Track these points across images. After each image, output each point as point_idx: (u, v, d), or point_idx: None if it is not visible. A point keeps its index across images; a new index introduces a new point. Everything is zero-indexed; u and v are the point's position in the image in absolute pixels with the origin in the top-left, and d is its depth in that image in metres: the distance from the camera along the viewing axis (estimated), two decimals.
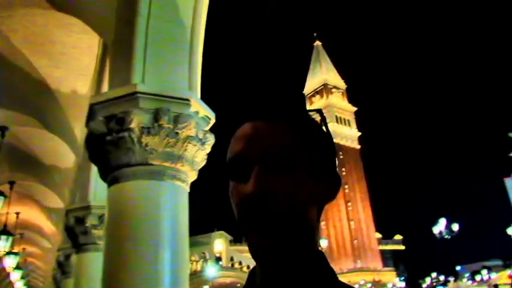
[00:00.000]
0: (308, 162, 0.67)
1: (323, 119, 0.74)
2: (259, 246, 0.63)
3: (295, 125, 0.69)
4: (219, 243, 45.85)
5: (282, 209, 0.63)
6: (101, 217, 5.08)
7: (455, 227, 28.23)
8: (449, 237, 28.55)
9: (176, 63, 3.00)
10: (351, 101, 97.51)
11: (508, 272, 37.13)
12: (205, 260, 42.13)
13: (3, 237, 9.01)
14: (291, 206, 0.63)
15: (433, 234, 29.19)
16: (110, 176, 2.74)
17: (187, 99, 2.77)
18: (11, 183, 8.79)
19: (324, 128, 0.73)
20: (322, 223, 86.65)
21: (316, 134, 0.71)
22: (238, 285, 41.07)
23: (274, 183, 0.63)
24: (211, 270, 36.91)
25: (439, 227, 28.71)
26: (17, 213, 10.60)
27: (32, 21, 4.77)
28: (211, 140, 2.97)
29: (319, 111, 0.74)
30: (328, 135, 0.73)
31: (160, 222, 2.55)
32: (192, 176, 2.92)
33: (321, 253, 0.69)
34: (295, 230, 0.64)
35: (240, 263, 44.85)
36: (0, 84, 5.78)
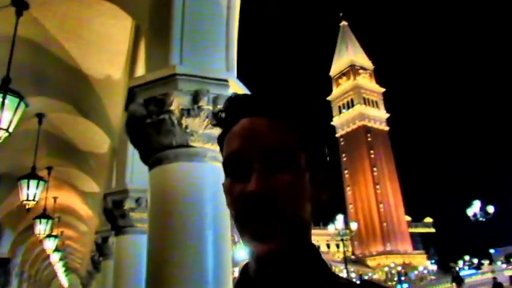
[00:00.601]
0: (307, 162, 0.67)
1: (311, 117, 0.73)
2: (258, 244, 0.63)
3: (295, 123, 0.68)
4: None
5: (283, 208, 0.63)
6: (137, 200, 5.18)
7: (491, 209, 27.53)
8: (484, 219, 27.90)
9: (213, 43, 2.96)
10: (379, 81, 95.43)
11: None
12: (234, 244, 42.83)
13: (43, 220, 9.38)
14: (291, 206, 0.64)
15: (466, 217, 28.58)
16: (151, 158, 2.75)
17: (226, 80, 2.74)
18: (49, 169, 9.09)
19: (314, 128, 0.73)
20: (350, 206, 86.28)
21: (313, 134, 0.71)
22: None
23: (276, 182, 0.63)
24: (239, 253, 37.47)
25: (474, 209, 28.08)
26: (55, 198, 10.99)
27: (66, 8, 4.81)
28: None
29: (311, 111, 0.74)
30: (320, 135, 0.73)
31: (203, 203, 2.55)
32: None
33: (315, 247, 0.70)
34: (294, 228, 0.64)
35: None
36: (37, 72, 5.91)
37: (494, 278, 21.91)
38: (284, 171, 0.64)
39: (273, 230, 0.62)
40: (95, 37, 5.15)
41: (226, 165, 0.68)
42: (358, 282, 0.71)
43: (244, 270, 0.71)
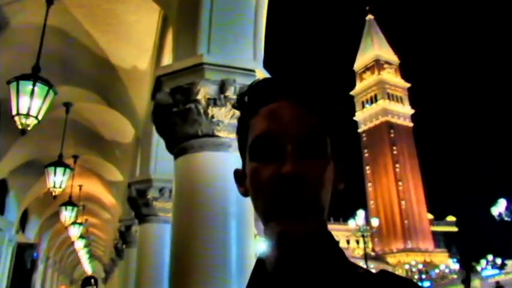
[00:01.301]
0: (331, 150, 0.68)
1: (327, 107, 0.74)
2: (292, 229, 0.62)
3: (321, 111, 0.69)
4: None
5: (313, 192, 0.63)
6: (161, 190, 5.24)
7: None
8: (509, 219, 27.20)
9: (241, 33, 2.94)
10: (405, 77, 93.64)
11: None
12: (254, 236, 43.09)
13: (69, 208, 9.61)
14: (320, 191, 0.64)
15: (490, 216, 27.92)
16: (177, 147, 2.77)
17: (253, 70, 2.72)
18: (75, 158, 9.30)
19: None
20: (372, 202, 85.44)
21: (330, 123, 0.71)
22: None
23: (308, 166, 0.63)
24: (260, 246, 37.70)
25: (499, 208, 27.41)
26: (80, 186, 11.25)
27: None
28: None
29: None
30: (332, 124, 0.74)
31: (227, 193, 2.54)
32: None
33: (331, 235, 0.70)
34: (321, 213, 0.65)
35: None
36: (65, 61, 6.02)
37: (497, 282, 21.40)
38: (315, 157, 0.64)
39: (303, 213, 0.62)
40: (123, 28, 5.21)
41: (255, 147, 0.66)
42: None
43: (258, 265, 0.71)
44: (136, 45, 5.34)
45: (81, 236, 13.47)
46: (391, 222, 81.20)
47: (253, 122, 0.68)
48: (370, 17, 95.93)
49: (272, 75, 2.92)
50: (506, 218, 26.75)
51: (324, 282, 0.64)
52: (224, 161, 2.64)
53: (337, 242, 0.70)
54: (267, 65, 3.04)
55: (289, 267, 0.65)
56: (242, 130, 0.72)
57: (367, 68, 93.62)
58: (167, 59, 4.56)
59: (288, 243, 0.63)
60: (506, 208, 26.88)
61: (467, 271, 37.36)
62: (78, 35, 5.46)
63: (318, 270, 0.65)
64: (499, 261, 47.81)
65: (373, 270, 0.69)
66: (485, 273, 45.11)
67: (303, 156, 0.63)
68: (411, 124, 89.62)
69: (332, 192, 0.68)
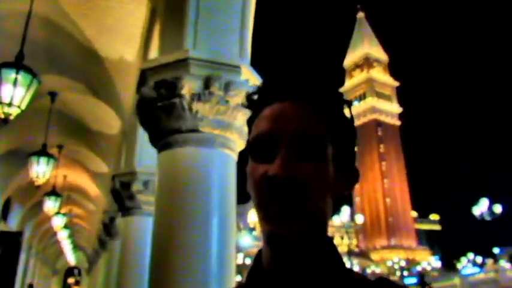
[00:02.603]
0: (333, 152, 0.66)
1: (349, 107, 0.72)
2: (276, 229, 0.62)
3: (327, 113, 0.67)
4: (253, 213, 46.68)
5: (303, 196, 0.62)
6: (145, 183, 5.22)
7: (498, 209, 27.34)
8: (490, 219, 27.72)
9: (227, 29, 2.94)
10: (393, 75, 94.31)
11: None
12: (239, 230, 43.12)
13: (52, 197, 9.52)
14: (312, 195, 0.63)
15: (472, 215, 28.43)
16: (161, 142, 2.77)
17: (239, 67, 2.72)
18: (60, 147, 9.20)
19: (349, 116, 0.71)
20: (357, 198, 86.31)
21: (343, 125, 0.70)
22: None
23: (300, 169, 0.62)
24: (245, 240, 37.78)
25: (480, 207, 27.91)
26: (65, 176, 11.14)
27: None
28: None
29: (347, 102, 0.73)
30: (352, 126, 0.72)
31: (210, 189, 2.56)
32: (240, 145, 2.90)
33: (331, 241, 0.70)
34: (312, 218, 0.64)
35: None
36: (51, 50, 5.93)
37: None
38: (309, 159, 0.63)
39: (291, 214, 0.61)
40: (111, 18, 5.15)
41: (251, 146, 0.67)
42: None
43: (258, 258, 0.71)
44: (123, 36, 5.28)
45: (65, 226, 13.36)
46: (375, 219, 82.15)
47: (256, 122, 0.69)
48: (361, 14, 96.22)
49: (261, 75, 2.92)
50: (487, 218, 27.28)
51: (317, 285, 0.64)
52: (207, 156, 2.65)
53: (335, 249, 0.69)
54: (255, 62, 3.04)
55: (281, 267, 0.65)
56: (249, 129, 0.72)
57: (357, 66, 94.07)
58: (154, 51, 4.53)
59: (276, 245, 0.64)
60: (488, 208, 27.40)
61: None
62: (64, 24, 5.37)
63: (310, 274, 0.64)
64: (479, 259, 48.75)
65: (357, 267, 0.68)
66: (465, 271, 45.97)
67: (298, 158, 0.63)
68: (398, 123, 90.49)
69: (336, 196, 0.68)
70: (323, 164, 0.64)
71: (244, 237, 38.51)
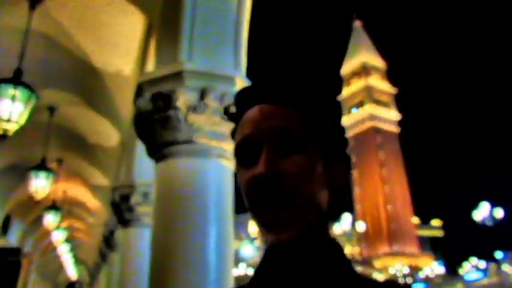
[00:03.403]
0: (318, 144, 0.66)
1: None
2: (269, 233, 0.62)
3: (304, 107, 0.67)
4: (254, 223, 46.52)
5: (292, 191, 0.61)
6: (144, 194, 5.24)
7: (499, 213, 27.26)
8: (491, 224, 27.62)
9: (222, 41, 2.98)
10: (391, 82, 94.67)
11: None
12: (241, 240, 42.91)
13: (52, 212, 9.50)
14: (301, 189, 0.62)
15: (474, 220, 28.32)
16: (157, 153, 2.80)
17: (234, 78, 2.76)
18: (59, 161, 9.21)
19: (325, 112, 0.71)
20: (358, 206, 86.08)
21: (325, 116, 0.70)
22: None
23: (283, 164, 0.62)
24: (247, 250, 37.58)
25: (481, 212, 27.82)
26: (64, 190, 11.14)
27: (80, 2, 4.87)
28: None
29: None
30: (335, 117, 0.73)
31: (207, 200, 2.58)
32: None
33: (335, 241, 0.68)
34: (307, 215, 0.62)
35: None
36: (49, 64, 5.99)
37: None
38: (293, 153, 0.63)
39: (284, 216, 0.61)
40: (108, 32, 5.21)
41: (236, 153, 0.67)
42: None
43: (266, 256, 0.69)
44: (121, 51, 5.35)
45: (66, 240, 13.32)
46: (377, 226, 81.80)
47: (238, 129, 0.69)
48: (357, 23, 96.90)
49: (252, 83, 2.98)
50: (488, 223, 27.18)
51: (320, 284, 0.62)
52: (203, 167, 2.67)
53: (340, 250, 0.67)
54: (253, 72, 3.08)
55: (281, 274, 0.64)
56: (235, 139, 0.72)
57: (354, 74, 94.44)
58: (151, 65, 4.58)
59: (274, 252, 0.64)
60: (489, 214, 27.31)
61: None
62: (62, 39, 5.44)
63: (313, 278, 0.62)
64: (482, 264, 48.47)
65: None
66: (469, 276, 45.67)
67: (281, 154, 0.63)
68: (397, 129, 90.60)
69: (329, 190, 0.67)
70: (307, 156, 0.64)
71: (246, 247, 38.31)
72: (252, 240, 44.34)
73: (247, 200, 0.65)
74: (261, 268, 0.68)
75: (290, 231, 0.61)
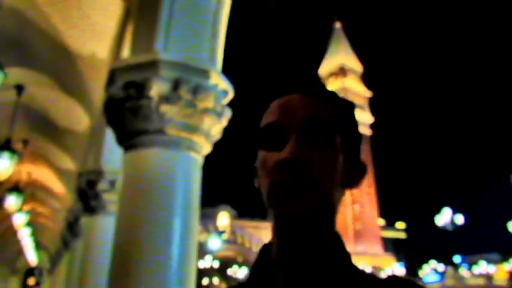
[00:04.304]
0: (342, 142, 0.67)
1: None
2: (286, 210, 0.62)
3: (335, 103, 0.69)
4: (224, 216, 46.51)
5: (315, 178, 0.62)
6: (112, 182, 5.16)
7: (460, 219, 28.27)
8: (452, 229, 28.62)
9: (199, 33, 2.97)
10: (367, 85, 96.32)
11: (505, 265, 37.32)
12: (209, 232, 42.85)
13: (15, 194, 9.22)
14: (323, 179, 0.63)
15: (436, 224, 29.29)
16: (127, 142, 2.77)
17: (208, 71, 2.76)
18: (25, 142, 8.93)
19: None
20: None
21: (351, 117, 0.72)
22: (239, 259, 41.82)
23: (310, 153, 0.63)
24: (214, 243, 37.60)
25: (443, 217, 28.78)
26: (29, 173, 10.81)
27: None
28: (228, 113, 2.97)
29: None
30: (356, 121, 0.75)
31: (173, 191, 2.58)
32: (207, 149, 2.93)
33: (339, 234, 0.69)
34: (323, 203, 0.64)
35: (243, 238, 45.54)
36: (20, 42, 5.79)
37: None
38: (319, 146, 0.64)
39: (302, 197, 0.61)
40: (84, 14, 5.08)
41: (262, 135, 0.68)
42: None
43: (264, 250, 0.70)
44: (97, 33, 5.22)
45: (28, 224, 12.95)
46: (343, 225, 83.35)
47: (265, 114, 0.70)
48: (338, 24, 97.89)
49: (232, 82, 2.97)
50: (449, 229, 28.16)
51: (325, 274, 0.63)
52: (173, 158, 2.66)
53: (343, 244, 0.68)
54: (231, 68, 3.08)
55: (287, 256, 0.64)
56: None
57: (332, 74, 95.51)
58: (127, 51, 4.51)
59: (284, 232, 0.64)
60: (450, 218, 28.29)
61: None
62: (35, 17, 5.26)
63: (319, 261, 0.63)
64: (441, 267, 50.23)
65: None
66: (428, 278, 47.27)
67: (308, 145, 0.63)
68: (369, 132, 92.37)
69: (344, 188, 0.69)
70: (332, 153, 0.65)
71: (213, 240, 38.30)
72: (220, 233, 44.37)
73: (267, 182, 0.64)
74: (267, 258, 0.68)
75: (308, 206, 0.62)
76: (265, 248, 0.70)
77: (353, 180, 0.70)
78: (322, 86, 0.71)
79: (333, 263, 0.64)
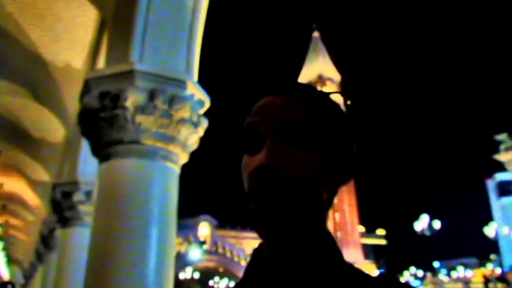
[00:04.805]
0: (325, 142, 0.65)
1: (345, 101, 0.75)
2: (266, 219, 0.60)
3: (317, 103, 0.67)
4: (204, 227, 46.05)
5: (291, 183, 0.61)
6: (88, 193, 5.07)
7: (437, 225, 28.80)
8: (430, 234, 29.11)
9: (175, 44, 2.98)
10: (345, 94, 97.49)
11: (482, 269, 38.12)
12: (190, 243, 42.37)
13: None
14: (300, 182, 0.61)
15: (414, 230, 29.76)
16: (102, 152, 2.74)
17: (184, 81, 2.77)
18: None
19: (344, 110, 0.71)
20: None
21: (336, 115, 0.69)
22: (221, 269, 41.46)
23: (286, 157, 0.61)
24: (194, 253, 37.18)
25: (421, 223, 29.25)
26: (1, 184, 10.52)
27: None
28: (204, 123, 2.98)
29: (341, 93, 0.75)
30: (347, 117, 0.71)
31: (149, 202, 2.56)
32: (183, 158, 2.93)
33: (329, 234, 0.68)
34: (304, 205, 0.62)
35: (224, 248, 45.17)
36: None
37: None
38: (299, 149, 0.62)
39: (282, 205, 0.60)
40: (58, 24, 5.02)
41: (240, 138, 0.66)
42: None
43: (257, 253, 0.69)
44: (72, 43, 5.17)
45: (0, 238, 12.55)
46: None
47: (247, 118, 0.68)
48: (316, 33, 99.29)
49: (208, 92, 2.97)
50: (427, 234, 28.66)
51: (314, 277, 0.62)
52: (148, 168, 2.65)
53: (334, 244, 0.67)
54: (209, 78, 3.09)
55: (276, 264, 0.64)
56: None
57: (311, 83, 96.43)
58: (102, 61, 4.48)
59: (269, 242, 0.63)
60: (428, 224, 28.82)
61: None
62: (9, 27, 5.18)
63: (308, 270, 0.62)
64: (420, 273, 50.88)
65: None
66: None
67: (285, 148, 0.62)
68: None
69: (333, 187, 0.67)
70: (312, 151, 0.63)
71: (194, 251, 37.87)
72: (201, 243, 43.92)
73: (246, 188, 0.64)
74: (255, 261, 0.68)
75: (285, 219, 0.60)
76: (258, 250, 0.69)
77: (341, 178, 0.68)
78: (300, 85, 0.68)
79: (324, 263, 0.63)
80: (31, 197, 10.76)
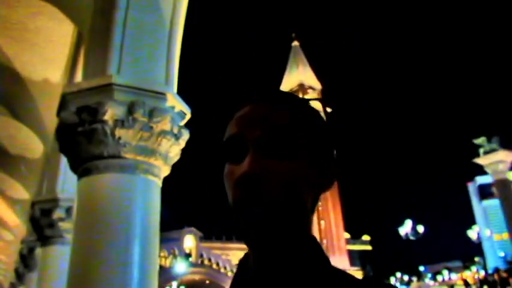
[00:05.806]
0: (307, 149, 0.65)
1: (324, 108, 0.77)
2: (251, 228, 0.61)
3: (297, 111, 0.67)
4: (189, 239, 45.50)
5: (274, 191, 0.61)
6: (68, 210, 4.96)
7: (421, 229, 29.20)
8: (414, 238, 29.47)
9: (153, 56, 2.96)
10: (324, 101, 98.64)
11: (466, 272, 38.65)
12: (175, 256, 41.77)
13: None
14: (284, 190, 0.62)
15: (399, 235, 30.12)
16: (81, 168, 2.68)
17: (164, 93, 2.74)
18: None
19: (324, 116, 0.72)
20: None
21: (316, 122, 0.70)
22: (207, 282, 40.93)
23: (270, 166, 0.62)
24: (180, 267, 36.67)
25: (405, 228, 29.62)
26: None
27: (5, 4, 4.59)
28: (186, 135, 2.95)
29: (320, 100, 0.76)
30: (327, 123, 0.72)
31: (131, 217, 2.51)
32: (165, 171, 2.89)
33: (315, 239, 0.68)
34: (288, 214, 0.62)
35: (210, 260, 44.67)
36: None
37: None
38: (281, 157, 0.63)
39: (265, 214, 0.60)
40: (33, 38, 4.95)
41: (224, 148, 0.67)
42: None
43: (244, 261, 0.69)
44: (48, 57, 5.09)
45: None
46: None
47: (228, 125, 0.68)
48: (296, 43, 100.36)
49: (188, 104, 2.95)
50: (411, 238, 29.02)
51: (302, 282, 0.62)
52: (129, 183, 2.61)
53: (319, 248, 0.67)
54: (188, 89, 3.07)
55: (262, 269, 0.64)
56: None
57: (292, 91, 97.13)
58: (80, 75, 4.42)
59: (252, 241, 0.62)
60: (412, 229, 29.20)
61: None
62: None
63: (295, 275, 0.63)
64: (406, 278, 51.27)
65: None
66: None
67: (269, 155, 0.62)
68: None
69: (315, 193, 0.67)
70: (294, 159, 0.63)
71: (180, 264, 37.34)
72: (187, 256, 43.36)
73: (230, 197, 0.64)
74: (242, 268, 0.68)
75: (270, 227, 0.61)
76: (244, 259, 0.70)
77: (323, 184, 0.69)
78: (279, 93, 0.69)
79: (311, 268, 0.64)
80: (10, 216, 10.46)
